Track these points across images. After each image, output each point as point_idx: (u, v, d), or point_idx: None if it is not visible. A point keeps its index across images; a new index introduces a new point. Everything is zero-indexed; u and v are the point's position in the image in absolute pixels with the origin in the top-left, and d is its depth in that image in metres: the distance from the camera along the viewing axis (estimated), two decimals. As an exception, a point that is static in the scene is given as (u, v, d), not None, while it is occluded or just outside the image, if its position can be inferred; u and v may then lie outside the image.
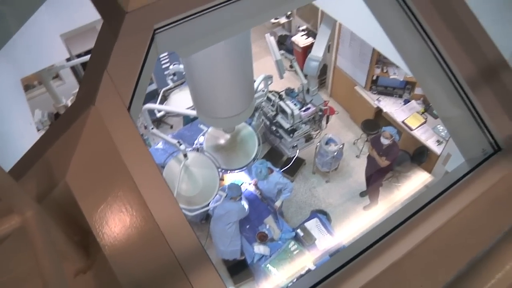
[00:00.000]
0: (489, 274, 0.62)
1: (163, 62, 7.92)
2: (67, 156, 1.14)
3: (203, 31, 1.56)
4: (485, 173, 1.32)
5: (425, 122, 7.36)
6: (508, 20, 2.73)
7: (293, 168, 7.67)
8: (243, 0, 1.50)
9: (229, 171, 5.58)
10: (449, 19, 1.48)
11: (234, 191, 5.89)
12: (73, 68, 7.84)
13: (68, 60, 6.18)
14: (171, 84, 6.22)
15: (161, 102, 5.96)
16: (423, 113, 7.51)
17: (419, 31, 1.51)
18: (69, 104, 6.34)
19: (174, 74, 6.09)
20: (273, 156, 7.74)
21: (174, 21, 1.43)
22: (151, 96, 7.30)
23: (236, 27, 1.77)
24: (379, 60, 7.64)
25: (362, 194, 7.59)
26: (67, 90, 7.08)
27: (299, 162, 7.86)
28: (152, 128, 5.06)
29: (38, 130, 5.59)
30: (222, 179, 6.48)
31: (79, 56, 6.73)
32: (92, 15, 4.75)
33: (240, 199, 6.07)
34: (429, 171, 7.46)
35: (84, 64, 7.41)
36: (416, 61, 1.67)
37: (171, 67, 5.93)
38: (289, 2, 1.80)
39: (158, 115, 5.74)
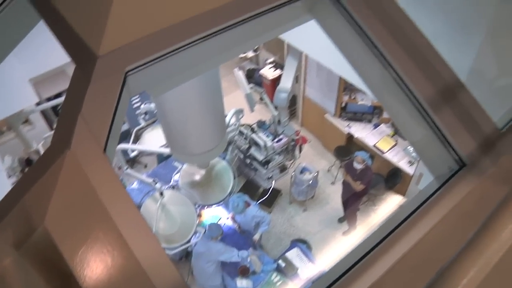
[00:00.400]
0: (455, 281, 0.65)
1: (134, 101, 7.91)
2: (45, 200, 1.14)
3: (174, 71, 1.61)
4: (453, 189, 1.39)
5: (395, 145, 7.53)
6: (458, 43, 2.89)
7: (270, 199, 7.67)
8: (212, 38, 1.55)
9: (206, 207, 5.54)
10: (407, 46, 1.57)
11: (214, 231, 5.79)
12: (43, 112, 7.74)
13: (37, 104, 6.11)
14: (143, 123, 6.22)
15: (134, 142, 5.93)
16: (393, 135, 7.69)
17: (379, 59, 1.60)
18: (40, 148, 6.22)
19: (145, 113, 6.10)
20: (249, 188, 7.74)
21: (145, 62, 1.46)
22: (124, 136, 7.25)
23: (206, 64, 1.82)
24: (346, 87, 7.83)
25: (340, 220, 7.63)
26: (38, 135, 6.95)
27: (276, 193, 7.88)
28: (127, 168, 5.04)
29: (9, 176, 5.45)
30: (200, 215, 6.42)
31: (48, 99, 6.67)
32: (61, 59, 4.77)
33: (222, 238, 5.96)
34: (404, 191, 7.59)
35: (54, 108, 7.34)
36: (379, 87, 1.75)
37: (142, 106, 5.95)
38: (256, 38, 1.87)
39: (132, 155, 5.71)
